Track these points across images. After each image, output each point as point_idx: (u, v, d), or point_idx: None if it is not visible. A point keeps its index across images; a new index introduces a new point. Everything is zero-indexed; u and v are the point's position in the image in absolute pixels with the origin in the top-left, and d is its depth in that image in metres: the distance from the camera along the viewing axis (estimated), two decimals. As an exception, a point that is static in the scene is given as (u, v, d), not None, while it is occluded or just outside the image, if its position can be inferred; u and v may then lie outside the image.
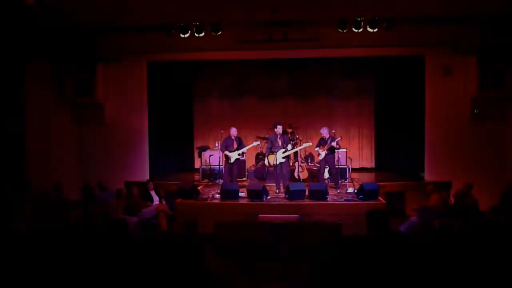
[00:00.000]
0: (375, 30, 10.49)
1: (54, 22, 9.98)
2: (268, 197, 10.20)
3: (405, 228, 8.38)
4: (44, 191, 9.60)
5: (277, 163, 10.79)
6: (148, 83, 13.27)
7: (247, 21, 11.00)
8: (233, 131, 11.08)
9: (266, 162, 11.31)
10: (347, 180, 12.06)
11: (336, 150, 10.98)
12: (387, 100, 14.60)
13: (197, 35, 10.83)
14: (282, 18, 10.36)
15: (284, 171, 10.92)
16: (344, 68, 14.76)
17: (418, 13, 9.96)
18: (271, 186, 11.05)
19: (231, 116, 15.49)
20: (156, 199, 10.59)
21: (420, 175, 12.95)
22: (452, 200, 9.52)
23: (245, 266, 8.21)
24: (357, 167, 14.69)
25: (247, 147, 11.20)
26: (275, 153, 10.80)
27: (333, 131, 11.88)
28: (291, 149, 11.01)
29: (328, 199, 9.98)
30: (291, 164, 12.51)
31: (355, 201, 9.86)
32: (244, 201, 10.00)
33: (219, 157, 11.43)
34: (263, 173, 12.70)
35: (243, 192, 10.34)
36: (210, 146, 14.05)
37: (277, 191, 10.80)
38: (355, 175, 12.85)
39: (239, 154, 11.05)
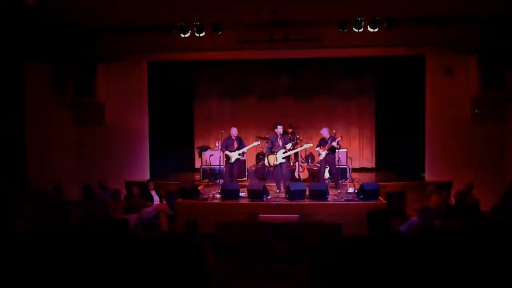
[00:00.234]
0: (376, 30, 10.48)
1: (54, 22, 9.99)
2: (269, 197, 10.20)
3: (405, 228, 8.38)
4: (44, 191, 9.60)
5: (278, 163, 10.78)
6: (148, 83, 13.27)
7: (247, 21, 10.99)
8: (234, 131, 11.08)
9: (266, 162, 11.29)
10: (348, 180, 12.06)
11: (336, 150, 10.99)
12: (388, 100, 14.59)
13: (197, 35, 10.82)
14: (282, 18, 10.35)
15: (285, 171, 10.92)
16: (345, 68, 14.76)
17: (418, 13, 9.95)
18: (271, 186, 11.05)
19: (232, 116, 15.49)
20: (156, 199, 10.58)
21: (420, 175, 12.93)
22: (452, 200, 9.51)
23: (245, 266, 8.21)
24: (358, 167, 14.69)
25: (247, 147, 11.20)
26: (275, 153, 10.79)
27: (333, 131, 11.88)
28: (290, 148, 11.02)
29: (329, 199, 9.97)
30: (291, 164, 12.51)
31: (355, 201, 9.86)
32: (245, 201, 10.00)
33: (220, 157, 11.42)
34: (263, 173, 12.69)
35: (243, 192, 10.33)
36: (211, 146, 14.05)
37: (278, 191, 10.80)
38: (355, 175, 12.84)
39: (239, 154, 11.05)
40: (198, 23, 10.58)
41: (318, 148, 11.19)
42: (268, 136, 12.36)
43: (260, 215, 9.40)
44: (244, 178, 12.76)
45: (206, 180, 12.70)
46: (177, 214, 9.96)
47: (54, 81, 12.67)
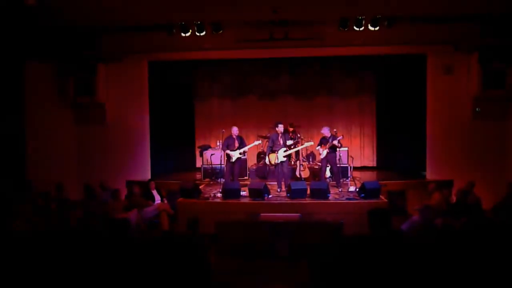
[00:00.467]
0: (376, 28, 10.47)
1: (55, 22, 9.99)
2: (270, 196, 10.19)
3: (406, 227, 8.37)
4: (44, 191, 9.61)
5: (279, 162, 10.78)
6: (149, 83, 13.28)
7: (248, 20, 10.99)
8: (235, 130, 11.08)
9: (267, 161, 11.29)
10: (349, 178, 12.06)
11: (337, 149, 10.98)
12: (389, 99, 14.57)
13: (198, 34, 10.82)
14: (283, 17, 10.34)
15: (286, 170, 10.92)
16: (345, 67, 14.75)
17: (419, 11, 9.94)
18: (272, 185, 11.04)
19: (232, 115, 15.51)
20: (157, 198, 10.59)
21: (421, 174, 12.93)
22: (454, 198, 9.50)
23: (246, 265, 8.21)
24: (359, 165, 14.69)
25: (248, 146, 11.19)
26: (276, 152, 10.79)
27: (334, 130, 11.87)
28: (291, 145, 11.02)
29: (330, 198, 9.96)
30: (292, 163, 12.50)
31: (356, 200, 9.85)
32: (246, 200, 9.99)
33: (221, 156, 11.42)
34: (264, 172, 12.69)
35: (244, 191, 10.32)
36: (212, 145, 14.05)
37: (279, 190, 10.79)
38: (356, 174, 12.83)
39: (240, 153, 11.04)
40: (199, 22, 10.57)
41: (318, 147, 11.19)
42: (269, 135, 12.35)
43: (261, 214, 9.40)
44: (245, 177, 12.76)
45: (207, 179, 12.70)
46: (178, 214, 9.95)
47: (55, 81, 12.68)
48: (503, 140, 12.22)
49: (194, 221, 6.86)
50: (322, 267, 4.69)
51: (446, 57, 12.36)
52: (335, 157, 11.04)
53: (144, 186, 10.85)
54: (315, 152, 12.97)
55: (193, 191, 10.19)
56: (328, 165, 11.35)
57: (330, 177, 11.79)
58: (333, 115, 15.33)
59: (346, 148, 12.75)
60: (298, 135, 12.95)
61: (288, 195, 10.12)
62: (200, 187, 10.98)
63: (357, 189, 10.35)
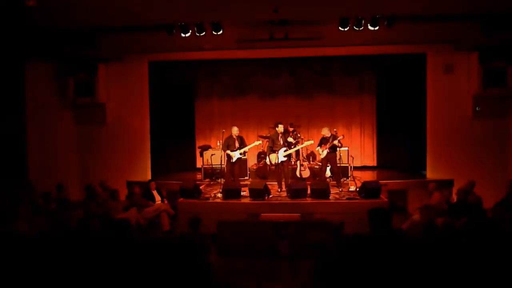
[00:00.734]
0: (376, 28, 10.47)
1: (55, 22, 9.98)
2: (270, 196, 10.19)
3: (407, 227, 8.38)
4: (45, 191, 9.61)
5: (279, 162, 10.78)
6: (149, 83, 13.30)
7: (248, 20, 10.98)
8: (235, 130, 11.08)
9: (267, 161, 11.29)
10: (349, 178, 12.06)
11: (338, 149, 10.99)
12: (389, 98, 14.56)
13: (198, 34, 10.81)
14: (283, 17, 10.33)
15: (286, 170, 10.93)
16: (346, 67, 14.72)
17: (419, 10, 9.92)
18: (273, 185, 11.04)
19: (233, 115, 15.52)
20: (158, 199, 10.60)
21: (422, 173, 12.93)
22: (454, 198, 9.51)
23: (246, 265, 8.22)
24: (359, 165, 14.68)
25: (249, 146, 11.19)
26: (276, 152, 10.79)
27: (334, 129, 11.88)
28: (292, 143, 11.03)
29: (330, 197, 9.97)
30: (292, 163, 12.50)
31: (357, 199, 9.86)
32: (246, 200, 9.99)
33: (221, 156, 11.43)
34: (264, 172, 12.69)
35: (245, 191, 10.33)
36: (212, 145, 14.07)
37: (279, 190, 10.79)
38: (357, 174, 12.83)
39: (241, 154, 11.05)
40: (199, 22, 10.57)
41: (318, 148, 11.19)
42: (269, 135, 12.35)
43: (262, 214, 9.41)
44: (246, 177, 12.76)
45: (208, 180, 12.71)
46: (178, 214, 9.96)
47: (55, 82, 12.70)
48: (504, 139, 12.23)
49: (196, 220, 6.87)
50: (323, 267, 4.70)
51: (446, 56, 12.38)
52: (336, 156, 11.05)
53: (145, 186, 10.86)
54: (316, 152, 12.97)
55: (194, 191, 10.19)
56: (328, 164, 11.35)
57: (330, 176, 11.80)
58: (333, 114, 15.33)
59: (347, 148, 12.76)
60: (298, 135, 12.95)
61: (289, 195, 10.12)
62: (201, 187, 10.98)
63: (358, 189, 10.36)
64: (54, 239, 5.79)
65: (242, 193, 10.22)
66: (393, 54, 12.94)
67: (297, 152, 12.34)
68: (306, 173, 12.26)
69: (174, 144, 14.86)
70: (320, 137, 11.36)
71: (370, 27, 10.47)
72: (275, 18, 10.37)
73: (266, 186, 10.16)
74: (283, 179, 10.90)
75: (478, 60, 11.74)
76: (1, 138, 11.26)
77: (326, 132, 11.12)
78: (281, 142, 10.82)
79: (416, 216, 8.31)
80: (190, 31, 10.72)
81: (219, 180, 11.71)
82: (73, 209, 9.04)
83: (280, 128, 10.90)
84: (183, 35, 10.77)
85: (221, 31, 10.74)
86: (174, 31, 10.74)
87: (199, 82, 15.54)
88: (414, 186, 11.89)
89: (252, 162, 13.92)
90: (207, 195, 10.50)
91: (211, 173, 12.77)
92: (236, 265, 8.24)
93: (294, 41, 11.62)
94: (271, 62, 13.89)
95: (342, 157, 11.58)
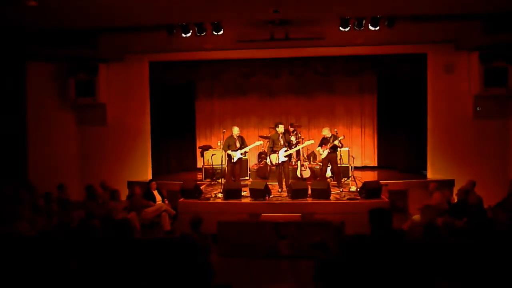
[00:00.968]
0: (377, 28, 10.46)
1: (56, 23, 9.98)
2: (271, 196, 10.19)
3: (407, 227, 8.37)
4: (46, 192, 9.63)
5: (280, 162, 10.78)
6: (150, 83, 13.30)
7: (248, 20, 10.97)
8: (236, 130, 11.09)
9: (268, 161, 11.30)
10: (350, 178, 12.06)
11: (338, 149, 10.99)
12: (389, 98, 14.57)
13: (198, 34, 10.81)
14: (283, 17, 10.33)
15: (287, 170, 10.92)
16: (346, 67, 14.67)
17: (420, 10, 9.92)
18: (273, 185, 11.03)
19: (233, 115, 15.57)
20: (158, 199, 10.61)
21: (422, 173, 12.94)
22: (455, 198, 9.51)
23: (247, 265, 8.23)
24: (360, 165, 14.67)
25: (249, 147, 11.19)
26: (277, 152, 10.79)
27: (335, 130, 11.88)
28: (293, 143, 11.04)
29: (331, 197, 9.95)
30: (293, 163, 12.50)
31: (357, 199, 9.85)
32: (247, 200, 9.99)
33: (221, 156, 11.43)
34: (265, 172, 12.69)
35: (245, 191, 10.33)
36: (213, 146, 14.07)
37: (280, 190, 10.79)
38: (357, 174, 12.83)
39: (241, 154, 11.05)
40: (199, 22, 10.57)
41: (319, 148, 11.19)
42: (269, 135, 12.36)
43: (262, 214, 9.41)
44: (246, 177, 12.76)
45: (208, 180, 12.71)
46: (179, 214, 9.96)
47: (56, 82, 12.70)
48: (505, 139, 12.21)
49: (198, 220, 6.87)
50: (324, 267, 4.70)
51: (447, 56, 12.37)
52: (336, 157, 11.06)
53: (145, 187, 10.87)
54: (316, 152, 12.96)
55: (194, 192, 10.19)
56: (329, 165, 11.36)
57: (331, 177, 11.81)
58: (334, 115, 15.35)
59: (347, 148, 12.76)
60: (299, 135, 12.95)
61: (289, 195, 10.12)
62: (201, 187, 10.98)
63: (358, 189, 10.36)
64: (54, 240, 5.80)
65: (242, 193, 10.22)
66: (394, 54, 12.92)
67: (298, 152, 12.34)
68: (307, 173, 12.26)
69: (175, 144, 14.88)
70: (320, 137, 11.36)
71: (370, 27, 10.46)
72: (276, 18, 10.36)
73: (266, 186, 10.16)
74: (284, 179, 10.90)
75: (478, 60, 11.71)
76: (1, 138, 11.29)
77: (326, 132, 11.12)
78: (282, 142, 10.82)
79: (416, 216, 8.30)
80: (191, 31, 10.71)
81: (220, 180, 11.72)
82: (73, 210, 9.06)
83: (281, 128, 10.90)
84: (183, 35, 10.76)
85: (221, 31, 10.73)
86: (175, 31, 10.73)
87: (200, 82, 15.52)
88: (415, 186, 11.89)
89: (252, 162, 13.92)
90: (207, 195, 10.51)
91: (212, 173, 12.77)
92: (237, 265, 8.24)
93: (295, 41, 11.62)
94: (271, 62, 13.88)
95: (342, 157, 11.58)
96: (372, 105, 15.29)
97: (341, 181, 11.29)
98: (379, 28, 10.45)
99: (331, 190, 10.19)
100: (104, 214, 8.70)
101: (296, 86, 15.33)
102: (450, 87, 12.41)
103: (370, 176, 13.27)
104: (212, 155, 12.71)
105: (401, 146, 14.16)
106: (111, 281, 4.67)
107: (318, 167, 12.41)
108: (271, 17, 10.18)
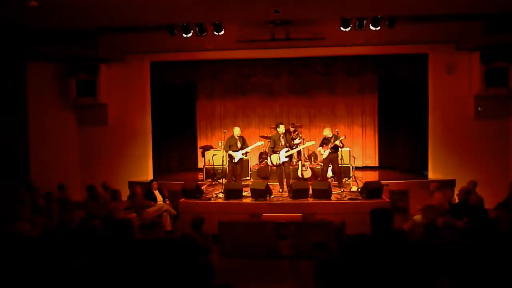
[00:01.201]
0: (378, 28, 10.46)
1: (56, 23, 9.99)
2: (272, 196, 10.18)
3: (408, 227, 8.37)
4: (47, 192, 9.63)
5: (280, 162, 10.78)
6: (151, 83, 13.31)
7: (249, 20, 10.98)
8: (237, 131, 11.09)
9: (269, 161, 11.29)
10: (351, 178, 12.06)
11: (339, 149, 10.98)
12: (390, 98, 14.55)
13: (199, 34, 10.82)
14: (284, 18, 10.33)
15: (287, 170, 10.92)
16: (347, 67, 14.67)
17: (421, 10, 9.92)
18: (274, 185, 11.03)
19: (234, 116, 15.59)
20: (159, 199, 10.60)
21: (423, 173, 12.93)
22: (456, 198, 9.50)
23: (248, 265, 8.23)
24: (361, 165, 14.65)
25: (251, 147, 11.20)
26: (278, 152, 10.79)
27: (336, 130, 11.87)
28: (294, 146, 11.04)
29: (332, 198, 9.96)
30: (294, 163, 12.49)
31: (358, 199, 9.85)
32: (248, 201, 9.99)
33: (222, 157, 11.43)
34: (266, 172, 12.68)
35: (246, 191, 10.33)
36: (213, 146, 14.07)
37: (281, 190, 10.78)
38: (358, 174, 12.80)
39: (243, 154, 11.05)
40: (200, 23, 10.58)
41: (320, 148, 11.19)
42: (270, 135, 12.35)
43: (263, 215, 9.41)
44: (247, 178, 12.75)
45: (209, 180, 12.71)
46: (180, 214, 9.97)
47: (57, 82, 12.72)
48: (506, 139, 12.20)
49: (199, 221, 6.87)
50: (324, 267, 4.70)
51: (448, 56, 12.36)
52: (337, 157, 11.04)
53: (146, 187, 10.87)
54: (317, 152, 12.95)
55: (195, 192, 10.19)
56: (330, 165, 11.35)
57: (332, 177, 11.80)
58: (335, 115, 15.34)
59: (348, 148, 12.76)
60: (300, 135, 12.95)
61: (290, 195, 10.11)
62: (202, 187, 10.97)
63: (359, 189, 10.35)
64: (54, 240, 5.80)
65: (243, 194, 10.22)
66: (395, 54, 12.93)
67: (299, 152, 12.33)
68: (308, 174, 12.25)
69: (176, 144, 14.88)
70: (321, 137, 11.36)
71: (371, 27, 10.46)
72: (277, 19, 10.36)
73: (267, 187, 10.16)
74: (285, 179, 10.90)
75: (479, 60, 11.71)
76: (3, 138, 11.29)
77: (327, 133, 11.11)
78: (283, 142, 10.81)
79: (417, 217, 8.30)
80: (192, 31, 10.72)
81: (221, 181, 11.72)
82: (74, 210, 9.06)
83: (282, 129, 10.90)
84: (184, 35, 10.77)
85: (222, 32, 10.74)
86: (176, 31, 10.74)
87: (201, 82, 15.50)
88: (416, 186, 11.87)
89: (253, 162, 13.91)
90: (208, 195, 10.50)
91: (213, 174, 12.76)
92: (238, 265, 8.24)
93: (295, 41, 11.63)
94: (272, 62, 13.89)
95: (343, 157, 11.56)
96: (373, 105, 15.28)
97: (342, 181, 11.27)
98: (380, 28, 10.45)
99: (332, 190, 10.18)
100: (105, 214, 8.70)
101: (296, 86, 15.32)
102: (451, 87, 12.40)
103: (371, 176, 13.25)
104: (213, 155, 12.71)
105: (402, 146, 14.16)
106: (112, 281, 4.67)
107: (319, 167, 12.39)
108: (272, 17, 10.19)
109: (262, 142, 12.29)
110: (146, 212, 10.04)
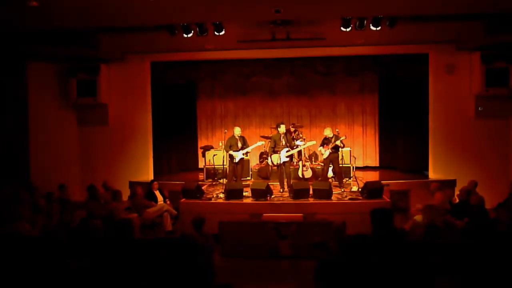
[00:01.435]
0: (378, 28, 10.45)
1: (56, 23, 9.99)
2: (272, 196, 10.18)
3: (409, 227, 8.36)
4: (48, 192, 9.63)
5: (281, 162, 10.77)
6: (151, 83, 13.31)
7: (250, 20, 10.98)
8: (237, 131, 11.09)
9: (269, 161, 11.29)
10: (351, 178, 12.05)
11: (340, 149, 10.98)
12: (391, 98, 14.54)
13: (200, 35, 10.82)
14: (285, 18, 10.32)
15: (288, 170, 10.92)
16: (347, 67, 14.66)
17: (421, 10, 9.91)
18: (275, 185, 11.02)
19: (234, 116, 15.60)
20: (160, 199, 10.61)
21: (424, 173, 12.92)
22: (456, 198, 9.50)
23: (249, 265, 8.22)
24: (361, 165, 14.66)
25: (251, 147, 11.21)
26: (278, 152, 10.79)
27: (336, 130, 11.87)
28: (295, 146, 11.04)
29: (332, 198, 9.96)
30: (295, 163, 12.49)
31: (359, 199, 9.84)
32: (248, 201, 9.99)
33: (223, 157, 11.43)
34: (266, 172, 12.68)
35: (247, 191, 10.32)
36: (214, 146, 14.07)
37: (281, 190, 10.78)
38: (359, 174, 12.79)
39: (243, 154, 11.05)
40: (201, 23, 10.57)
41: (321, 148, 11.19)
42: (271, 135, 12.35)
43: (264, 215, 9.41)
44: (248, 178, 12.75)
45: (210, 180, 12.71)
46: (180, 214, 9.97)
47: (57, 82, 12.72)
48: (506, 139, 12.20)
49: (200, 221, 6.87)
50: (325, 267, 4.69)
51: (448, 56, 12.35)
52: (338, 157, 11.04)
53: (147, 187, 10.87)
54: (318, 152, 12.95)
55: (196, 192, 10.19)
56: (330, 165, 11.34)
57: (332, 177, 11.79)
58: (335, 115, 15.34)
59: (349, 148, 12.76)
60: (300, 135, 12.95)
61: (291, 195, 10.11)
62: (203, 187, 10.96)
63: (360, 189, 10.35)
64: (54, 240, 5.80)
65: (244, 194, 10.21)
66: (395, 54, 12.91)
67: (300, 152, 12.33)
68: (308, 174, 12.25)
69: (176, 145, 14.88)
70: (322, 137, 11.36)
71: (372, 27, 10.46)
72: (277, 19, 10.36)
73: (268, 187, 10.15)
74: (285, 180, 10.90)
75: (480, 60, 11.71)
76: (3, 138, 11.30)
77: (328, 133, 11.11)
78: (283, 142, 10.81)
79: (418, 216, 8.29)
80: (192, 31, 10.71)
81: (221, 181, 11.71)
82: (75, 210, 9.06)
83: (282, 129, 10.90)
84: (185, 35, 10.76)
85: (223, 32, 10.74)
86: (176, 31, 10.74)
87: (201, 82, 15.50)
88: (416, 186, 11.87)
89: (254, 162, 13.91)
90: (209, 196, 10.50)
91: (213, 174, 12.76)
92: (238, 265, 8.24)
93: (296, 41, 11.62)
94: (272, 62, 13.88)
95: (344, 157, 11.56)
96: (374, 105, 15.27)
97: (343, 181, 11.27)
98: (380, 28, 10.45)
99: (333, 190, 10.18)
100: (105, 214, 8.70)
101: (297, 86, 15.33)
102: (451, 87, 12.39)
103: (372, 176, 13.25)
104: (214, 155, 12.71)
105: (402, 146, 14.15)
106: (112, 281, 4.67)
107: (319, 167, 12.39)
108: (273, 17, 10.18)
109: (263, 142, 12.29)
110: (146, 212, 10.04)
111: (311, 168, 12.43)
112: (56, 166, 12.40)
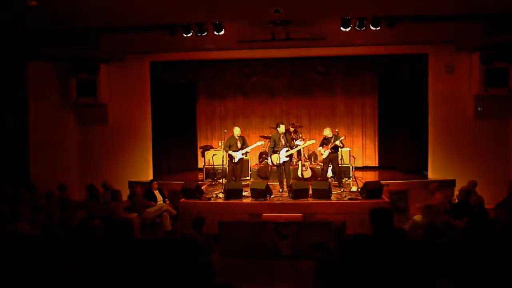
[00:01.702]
0: (378, 28, 10.46)
1: (56, 23, 9.99)
2: (272, 196, 10.18)
3: (408, 227, 8.37)
4: (47, 192, 9.63)
5: (281, 162, 10.78)
6: (151, 83, 13.31)
7: (250, 20, 10.98)
8: (237, 131, 11.09)
9: (269, 161, 11.30)
10: (351, 178, 12.06)
11: (339, 149, 10.99)
12: (390, 99, 14.55)
13: (200, 34, 10.82)
14: (285, 18, 10.33)
15: (287, 170, 10.92)
16: (347, 67, 14.66)
17: (421, 11, 9.92)
18: (274, 185, 11.03)
19: (234, 115, 15.59)
20: (160, 199, 10.61)
21: (423, 174, 12.93)
22: (456, 198, 9.51)
23: (248, 265, 8.22)
24: (361, 165, 14.65)
25: (251, 147, 11.22)
26: (278, 152, 10.79)
27: (336, 130, 11.88)
28: (295, 146, 11.05)
29: (332, 198, 9.96)
30: (294, 163, 12.50)
31: (358, 199, 9.85)
32: (248, 201, 10.00)
33: (222, 157, 11.43)
34: (266, 172, 12.69)
35: (246, 191, 10.33)
36: (214, 146, 14.07)
37: (281, 190, 10.79)
38: (358, 174, 12.81)
39: (243, 154, 11.05)
40: (200, 23, 10.58)
41: (320, 148, 11.20)
42: (270, 135, 12.35)
43: (263, 214, 9.41)
44: (247, 178, 12.76)
45: (209, 180, 12.71)
46: (180, 214, 9.97)
47: (57, 82, 12.73)
48: (506, 139, 12.22)
49: (200, 220, 6.87)
50: (324, 267, 4.70)
51: (448, 56, 12.37)
52: (337, 157, 11.05)
53: (146, 187, 10.87)
54: (317, 152, 12.96)
55: (195, 192, 10.20)
56: (330, 165, 11.35)
57: (332, 177, 11.80)
58: (335, 115, 15.34)
59: (348, 148, 12.78)
60: (300, 135, 12.96)
61: (290, 195, 10.12)
62: (202, 187, 10.97)
63: (359, 189, 10.36)
64: (54, 239, 5.80)
65: (243, 193, 10.22)
66: (395, 55, 12.92)
67: (299, 152, 12.34)
68: (308, 173, 12.26)
69: (176, 144, 14.88)
70: (321, 138, 11.37)
71: (371, 27, 10.47)
72: (277, 19, 10.37)
73: (267, 186, 10.16)
74: (285, 179, 10.90)
75: (479, 60, 11.71)
76: (3, 138, 11.30)
77: (328, 133, 11.12)
78: (283, 142, 10.82)
79: (418, 216, 8.30)
80: (192, 31, 10.72)
81: (221, 181, 11.72)
82: (75, 209, 9.06)
83: (282, 129, 10.90)
84: (185, 35, 10.77)
85: (222, 31, 10.74)
86: (176, 31, 10.74)
87: (201, 82, 15.51)
88: (416, 186, 11.88)
89: (253, 162, 13.92)
90: (209, 195, 10.51)
91: (213, 173, 12.77)
92: (238, 265, 8.24)
93: (296, 41, 11.62)
94: (272, 62, 13.88)
95: (343, 157, 11.56)
96: (373, 105, 15.27)
97: (342, 181, 11.28)
98: (380, 28, 10.46)
99: (332, 190, 10.19)
100: (105, 214, 8.70)
101: (297, 86, 15.33)
102: (451, 87, 12.41)
103: (371, 176, 13.27)
104: (213, 155, 12.71)
105: (402, 146, 14.15)
106: (112, 281, 4.67)
107: (319, 167, 12.41)
108: (272, 17, 10.19)
109: (262, 142, 12.29)
110: (146, 212, 10.05)
111: (310, 168, 12.44)
112: (56, 166, 12.41)
